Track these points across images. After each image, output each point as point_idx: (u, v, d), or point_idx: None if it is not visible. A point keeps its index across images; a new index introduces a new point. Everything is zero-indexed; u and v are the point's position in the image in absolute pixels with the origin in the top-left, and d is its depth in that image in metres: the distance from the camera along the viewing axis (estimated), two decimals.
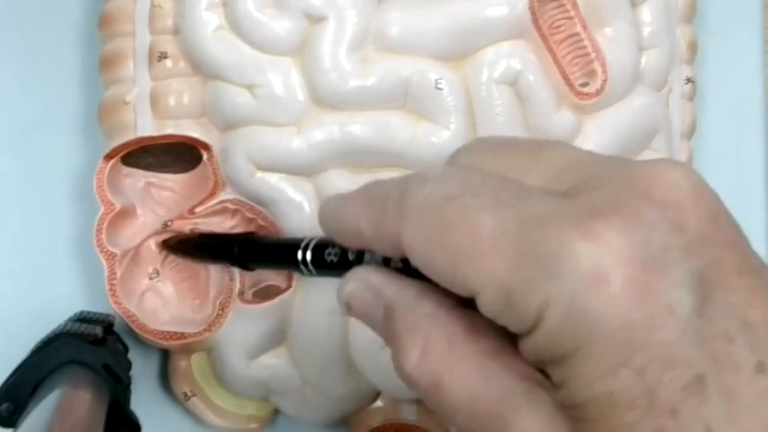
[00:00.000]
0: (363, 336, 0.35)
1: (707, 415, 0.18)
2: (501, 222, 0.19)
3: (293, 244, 0.28)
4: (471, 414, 0.21)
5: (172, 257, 0.37)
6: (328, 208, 0.25)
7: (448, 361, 0.21)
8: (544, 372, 0.20)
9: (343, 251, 0.26)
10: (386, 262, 0.24)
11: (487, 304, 0.20)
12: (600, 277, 0.18)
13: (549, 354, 0.19)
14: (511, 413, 0.20)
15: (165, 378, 0.38)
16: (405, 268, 0.23)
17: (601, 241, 0.18)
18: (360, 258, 0.25)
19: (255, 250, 0.34)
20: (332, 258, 0.26)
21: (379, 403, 0.38)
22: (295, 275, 0.36)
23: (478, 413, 0.21)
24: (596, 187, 0.20)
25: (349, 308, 0.24)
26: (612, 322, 0.18)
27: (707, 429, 0.18)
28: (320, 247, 0.27)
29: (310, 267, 0.28)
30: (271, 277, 0.37)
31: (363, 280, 0.23)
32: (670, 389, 0.18)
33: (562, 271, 0.18)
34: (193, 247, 0.37)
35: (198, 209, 0.37)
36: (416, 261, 0.21)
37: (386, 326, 0.23)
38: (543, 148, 0.22)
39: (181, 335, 0.36)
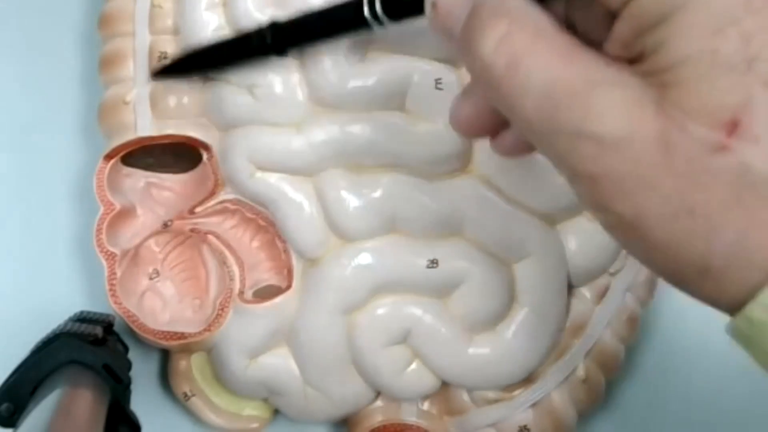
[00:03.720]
0: (364, 336, 0.35)
1: None
2: None
3: (350, 3, 0.26)
4: (546, 95, 0.20)
5: (172, 257, 0.37)
6: None
7: (532, 44, 0.21)
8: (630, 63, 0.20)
9: None
10: None
11: None
12: None
13: (655, 10, 0.19)
14: (595, 90, 0.20)
15: (165, 378, 0.38)
16: None
17: None
18: None
19: (297, 29, 0.29)
20: None
21: (379, 403, 0.38)
22: (295, 275, 0.36)
23: (555, 93, 0.20)
24: None
25: (434, 6, 0.23)
26: None
27: None
28: None
29: (382, 17, 0.25)
30: (270, 276, 0.37)
31: None
32: None
33: None
34: (209, 56, 0.33)
35: (198, 209, 0.37)
36: None
37: (468, 22, 0.22)
38: None
39: (181, 335, 0.36)
